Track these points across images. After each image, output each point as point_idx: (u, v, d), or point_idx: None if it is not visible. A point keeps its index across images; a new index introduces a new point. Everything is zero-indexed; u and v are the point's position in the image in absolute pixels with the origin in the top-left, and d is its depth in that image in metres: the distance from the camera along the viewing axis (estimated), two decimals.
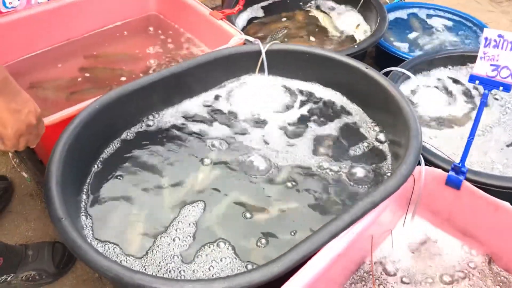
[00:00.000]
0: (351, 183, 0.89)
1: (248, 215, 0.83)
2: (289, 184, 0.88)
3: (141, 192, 0.86)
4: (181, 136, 0.98)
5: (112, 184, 0.87)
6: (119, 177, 0.88)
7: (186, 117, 1.00)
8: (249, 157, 0.92)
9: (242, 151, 0.94)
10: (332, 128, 1.00)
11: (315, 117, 1.02)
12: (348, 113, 1.02)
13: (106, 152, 0.92)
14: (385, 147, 0.95)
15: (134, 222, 0.82)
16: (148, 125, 0.98)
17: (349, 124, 1.01)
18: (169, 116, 1.00)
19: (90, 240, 0.77)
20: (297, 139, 0.98)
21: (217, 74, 1.04)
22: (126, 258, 0.76)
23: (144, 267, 0.75)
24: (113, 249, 0.77)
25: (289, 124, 1.01)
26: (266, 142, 0.96)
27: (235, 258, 0.76)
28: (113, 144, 0.93)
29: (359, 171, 0.90)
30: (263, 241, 0.79)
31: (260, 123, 1.01)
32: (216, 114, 1.02)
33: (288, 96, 1.07)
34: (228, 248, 0.77)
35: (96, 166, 0.89)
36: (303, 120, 1.02)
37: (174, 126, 0.99)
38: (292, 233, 0.80)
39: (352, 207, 0.73)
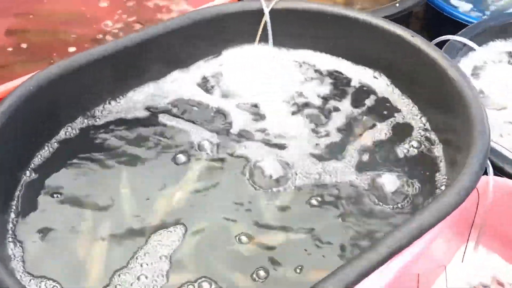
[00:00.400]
0: (389, 200, 0.88)
1: (243, 239, 0.83)
2: (301, 202, 0.87)
3: (93, 211, 0.86)
4: (150, 132, 0.96)
5: (51, 198, 0.86)
6: (60, 190, 0.87)
7: (156, 107, 0.99)
8: (258, 162, 0.91)
9: (240, 152, 0.93)
10: (362, 121, 0.99)
11: (339, 106, 1.01)
12: (385, 101, 1.01)
13: (41, 155, 0.91)
14: (436, 150, 0.94)
15: (81, 254, 0.80)
16: (100, 117, 0.97)
17: (386, 115, 0.99)
18: (133, 103, 0.99)
19: (20, 276, 0.76)
20: (316, 137, 0.96)
21: (200, 44, 1.03)
22: None
23: None
24: None
25: (304, 116, 1.00)
26: (269, 142, 0.96)
27: None
28: (51, 144, 0.92)
29: (399, 183, 0.89)
30: (261, 273, 0.78)
31: (260, 115, 1.00)
32: (201, 101, 1.01)
33: (302, 76, 1.05)
34: None
35: (27, 174, 0.88)
36: (322, 111, 1.00)
37: (140, 118, 0.98)
38: (298, 270, 0.79)
39: (391, 235, 0.72)
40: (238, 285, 0.79)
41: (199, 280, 0.78)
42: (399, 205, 0.88)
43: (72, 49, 1.15)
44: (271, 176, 0.90)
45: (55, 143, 0.93)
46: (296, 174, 0.91)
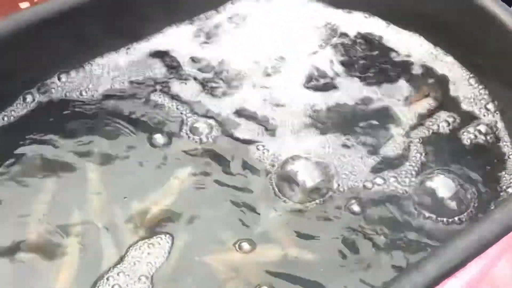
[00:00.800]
0: (434, 208, 0.90)
1: (245, 246, 0.87)
2: (331, 207, 0.91)
3: (50, 212, 0.89)
4: (126, 114, 1.01)
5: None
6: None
7: (135, 80, 1.04)
8: (291, 163, 0.94)
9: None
10: (401, 97, 1.04)
11: (372, 78, 1.06)
12: (431, 73, 1.06)
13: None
14: (499, 135, 0.98)
15: (40, 271, 0.84)
16: (58, 91, 1.02)
17: (435, 87, 1.05)
18: (106, 72, 1.04)
19: None
20: (347, 123, 1.01)
21: None
22: None
23: None
24: None
25: (330, 87, 1.05)
26: (271, 133, 0.99)
27: None
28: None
29: (448, 184, 0.92)
30: None
31: (272, 97, 1.04)
32: (193, 71, 1.06)
33: (326, 36, 1.11)
34: None
35: None
36: (352, 83, 1.06)
37: (110, 95, 1.03)
38: None
39: (440, 250, 0.72)
40: None
41: None
42: (448, 216, 0.90)
43: (24, 4, 1.18)
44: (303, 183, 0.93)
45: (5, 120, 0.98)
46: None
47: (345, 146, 0.98)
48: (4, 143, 0.97)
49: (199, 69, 1.07)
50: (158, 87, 1.05)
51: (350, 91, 1.05)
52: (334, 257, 0.87)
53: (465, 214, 0.91)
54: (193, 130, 0.99)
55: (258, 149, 0.97)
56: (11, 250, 0.86)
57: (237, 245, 0.87)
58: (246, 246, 0.87)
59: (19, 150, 0.96)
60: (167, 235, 0.88)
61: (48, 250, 0.87)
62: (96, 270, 0.84)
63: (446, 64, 1.07)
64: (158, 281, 0.83)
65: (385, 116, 1.02)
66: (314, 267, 0.86)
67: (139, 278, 0.83)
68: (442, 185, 0.93)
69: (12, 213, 0.90)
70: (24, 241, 0.87)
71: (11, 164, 0.95)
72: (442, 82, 1.05)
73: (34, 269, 0.85)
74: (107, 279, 0.83)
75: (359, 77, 1.07)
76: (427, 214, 0.91)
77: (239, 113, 1.02)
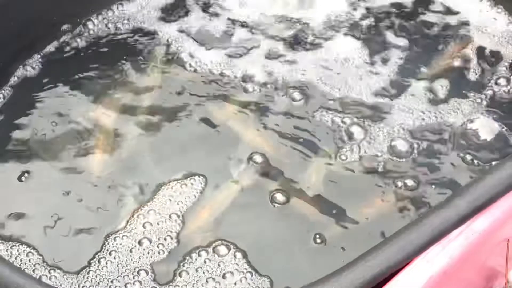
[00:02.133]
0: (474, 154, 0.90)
1: (279, 198, 0.86)
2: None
3: (76, 157, 0.90)
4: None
5: (21, 135, 0.92)
6: (30, 130, 0.93)
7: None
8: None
9: None
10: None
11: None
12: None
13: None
14: None
15: (66, 208, 0.85)
16: (85, 36, 1.03)
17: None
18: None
19: None
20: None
21: None
22: (50, 272, 0.79)
23: None
24: (27, 255, 0.80)
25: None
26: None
27: (249, 271, 0.79)
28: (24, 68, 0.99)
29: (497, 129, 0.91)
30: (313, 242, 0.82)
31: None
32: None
33: None
34: (234, 256, 0.80)
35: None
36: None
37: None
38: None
39: (471, 186, 0.72)
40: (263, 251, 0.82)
41: (215, 244, 0.81)
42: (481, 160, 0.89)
43: None
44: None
45: (23, 72, 0.99)
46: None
47: None
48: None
49: None
50: None
51: None
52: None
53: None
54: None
55: None
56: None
57: (277, 191, 0.87)
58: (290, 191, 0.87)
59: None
60: (201, 176, 0.88)
61: (69, 182, 0.89)
62: (124, 207, 0.86)
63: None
64: (188, 218, 0.84)
65: None
66: None
67: (169, 216, 0.84)
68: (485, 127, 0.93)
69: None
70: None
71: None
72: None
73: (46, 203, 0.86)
74: (138, 216, 0.84)
75: None
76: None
77: None
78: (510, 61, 0.98)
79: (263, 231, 0.83)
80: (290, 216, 0.84)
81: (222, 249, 0.81)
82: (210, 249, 0.80)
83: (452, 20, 1.04)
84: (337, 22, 1.04)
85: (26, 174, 0.88)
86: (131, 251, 0.80)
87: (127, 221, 0.83)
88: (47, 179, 0.88)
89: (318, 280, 0.68)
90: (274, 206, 0.85)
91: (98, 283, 0.78)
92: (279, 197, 0.85)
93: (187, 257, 0.80)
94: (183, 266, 0.79)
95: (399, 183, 0.87)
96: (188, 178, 0.87)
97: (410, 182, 0.87)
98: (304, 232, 0.82)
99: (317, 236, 0.82)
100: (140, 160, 0.90)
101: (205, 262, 0.79)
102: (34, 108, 0.95)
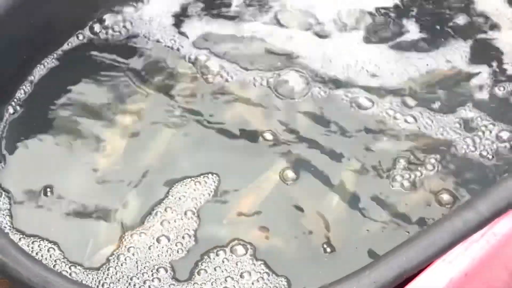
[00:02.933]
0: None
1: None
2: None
3: (94, 153, 0.90)
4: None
5: (42, 138, 0.91)
6: (52, 128, 0.92)
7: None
8: None
9: None
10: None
11: None
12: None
13: (26, 86, 0.96)
14: None
15: (85, 205, 0.85)
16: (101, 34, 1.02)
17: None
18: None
19: (7, 233, 0.80)
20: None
21: None
22: (70, 267, 0.79)
23: (102, 286, 0.77)
24: (48, 251, 0.80)
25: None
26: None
27: (266, 271, 0.79)
28: (43, 66, 0.98)
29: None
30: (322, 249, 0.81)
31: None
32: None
33: None
34: (251, 256, 0.80)
35: (9, 110, 0.93)
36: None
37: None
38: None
39: (493, 188, 0.71)
40: (281, 248, 0.82)
41: (232, 244, 0.81)
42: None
43: None
44: None
45: (45, 69, 0.98)
46: None
47: None
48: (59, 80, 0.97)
49: None
50: None
51: None
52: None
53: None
54: None
55: None
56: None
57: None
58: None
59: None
60: (214, 174, 0.88)
61: (90, 180, 0.89)
62: (142, 205, 0.86)
63: None
64: (203, 216, 0.84)
65: None
66: None
67: (185, 212, 0.84)
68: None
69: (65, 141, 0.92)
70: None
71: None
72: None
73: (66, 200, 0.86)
74: (156, 213, 0.84)
75: None
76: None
77: None
78: None
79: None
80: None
81: (240, 249, 0.81)
82: (227, 249, 0.80)
83: None
84: None
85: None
86: (149, 248, 0.80)
87: (145, 219, 0.83)
88: (66, 177, 0.88)
89: (338, 280, 0.68)
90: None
91: (119, 280, 0.78)
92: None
93: (205, 256, 0.80)
94: (202, 264, 0.79)
95: None
96: (202, 176, 0.87)
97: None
98: (322, 234, 0.83)
99: (336, 238, 0.82)
100: (161, 159, 0.90)
101: (223, 261, 0.79)
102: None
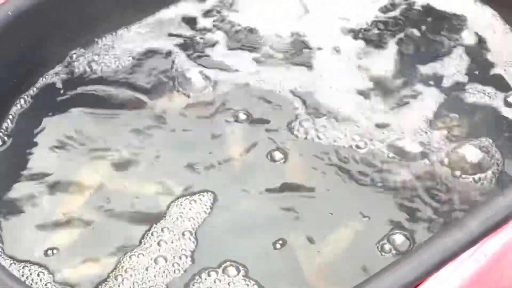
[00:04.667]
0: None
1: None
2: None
3: (90, 175, 0.89)
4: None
5: (40, 157, 0.91)
6: (54, 147, 0.92)
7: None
8: None
9: None
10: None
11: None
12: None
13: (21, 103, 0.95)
14: None
15: (76, 231, 0.84)
16: (101, 53, 1.01)
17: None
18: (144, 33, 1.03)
19: None
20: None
21: None
22: None
23: None
24: (38, 275, 0.79)
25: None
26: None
27: None
28: (36, 87, 0.97)
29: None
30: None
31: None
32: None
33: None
34: (243, 278, 0.79)
35: (2, 126, 0.92)
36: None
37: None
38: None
39: (483, 208, 0.71)
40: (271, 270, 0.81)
41: (224, 265, 0.80)
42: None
43: None
44: None
45: (40, 87, 0.98)
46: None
47: None
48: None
49: None
50: None
51: None
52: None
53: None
54: None
55: None
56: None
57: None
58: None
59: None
60: (209, 192, 0.87)
61: (84, 202, 0.88)
62: (139, 226, 0.85)
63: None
64: (201, 236, 0.83)
65: None
66: None
67: (183, 233, 0.83)
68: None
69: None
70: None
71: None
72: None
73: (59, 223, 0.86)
74: (152, 234, 0.83)
75: None
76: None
77: None
78: None
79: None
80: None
81: (231, 270, 0.80)
82: (220, 270, 0.80)
83: None
84: None
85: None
86: (147, 269, 0.80)
87: (142, 239, 0.82)
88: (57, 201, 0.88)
89: None
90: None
91: None
92: None
93: (197, 277, 0.80)
94: (194, 285, 0.79)
95: None
96: (197, 195, 0.86)
97: None
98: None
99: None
100: (150, 176, 0.90)
101: (215, 282, 0.79)
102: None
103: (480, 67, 0.99)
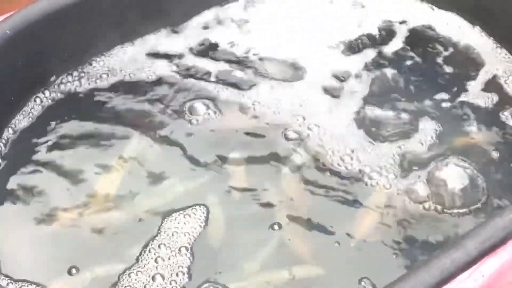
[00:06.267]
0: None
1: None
2: None
3: (88, 191, 0.88)
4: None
5: (34, 174, 0.90)
6: (45, 162, 0.91)
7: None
8: None
9: None
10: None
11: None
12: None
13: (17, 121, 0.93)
14: None
15: (74, 249, 0.83)
16: (98, 71, 1.00)
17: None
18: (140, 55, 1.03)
19: None
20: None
21: None
22: None
23: None
24: None
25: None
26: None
27: None
28: (36, 102, 0.96)
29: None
30: None
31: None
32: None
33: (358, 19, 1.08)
34: None
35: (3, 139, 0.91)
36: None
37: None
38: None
39: (481, 229, 0.71)
40: None
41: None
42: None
43: None
44: None
45: (40, 102, 0.96)
46: None
47: None
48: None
49: None
50: None
51: None
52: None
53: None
54: None
55: None
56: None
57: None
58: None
59: None
60: (201, 206, 0.87)
61: (83, 221, 0.87)
62: (132, 244, 0.84)
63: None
64: (196, 249, 0.83)
65: None
66: None
67: (179, 249, 0.82)
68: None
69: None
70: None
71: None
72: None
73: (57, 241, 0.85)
74: (149, 250, 0.82)
75: None
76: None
77: None
78: None
79: None
80: None
81: None
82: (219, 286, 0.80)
83: None
84: None
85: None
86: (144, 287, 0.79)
87: (139, 257, 0.81)
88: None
89: None
90: None
91: None
92: None
93: None
94: None
95: None
96: (190, 209, 0.86)
97: None
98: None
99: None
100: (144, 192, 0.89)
101: None
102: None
103: None
